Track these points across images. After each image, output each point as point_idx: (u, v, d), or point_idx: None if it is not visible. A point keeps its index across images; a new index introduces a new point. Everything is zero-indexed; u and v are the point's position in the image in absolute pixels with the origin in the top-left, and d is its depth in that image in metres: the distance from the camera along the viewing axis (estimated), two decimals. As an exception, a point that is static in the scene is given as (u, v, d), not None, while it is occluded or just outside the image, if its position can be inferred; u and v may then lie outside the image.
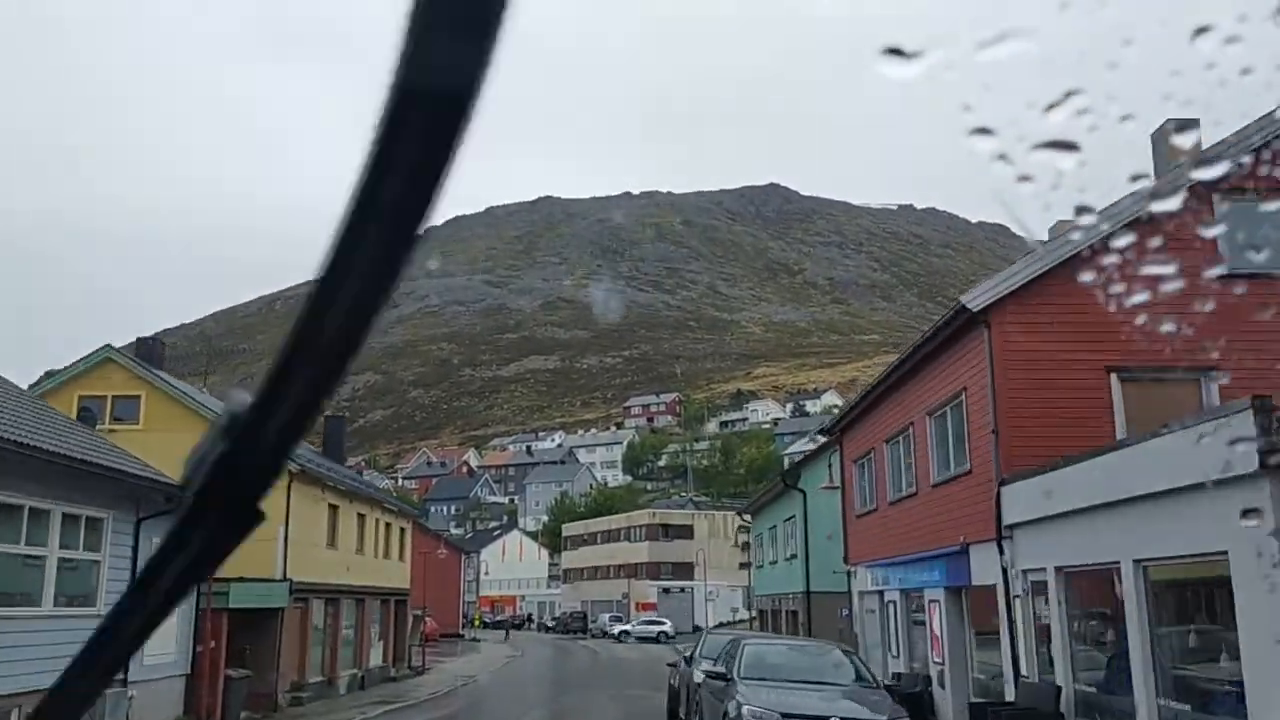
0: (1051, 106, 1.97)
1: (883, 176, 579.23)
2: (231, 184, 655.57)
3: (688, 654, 20.79)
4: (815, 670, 15.45)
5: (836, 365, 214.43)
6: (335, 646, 33.09)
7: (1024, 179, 2.04)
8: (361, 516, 35.93)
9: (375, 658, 38.39)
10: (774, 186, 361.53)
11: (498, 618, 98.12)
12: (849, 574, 26.75)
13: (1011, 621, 15.14)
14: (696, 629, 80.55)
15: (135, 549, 20.38)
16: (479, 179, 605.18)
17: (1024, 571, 14.92)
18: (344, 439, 42.27)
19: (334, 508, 32.63)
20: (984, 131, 2.00)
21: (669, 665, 25.69)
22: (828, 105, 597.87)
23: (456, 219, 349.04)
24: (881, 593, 23.41)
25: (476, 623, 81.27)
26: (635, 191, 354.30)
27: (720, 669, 13.63)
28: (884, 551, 22.62)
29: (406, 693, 35.34)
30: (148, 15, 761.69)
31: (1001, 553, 15.28)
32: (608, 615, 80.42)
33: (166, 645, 22.02)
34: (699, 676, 17.56)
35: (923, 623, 19.97)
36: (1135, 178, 2.28)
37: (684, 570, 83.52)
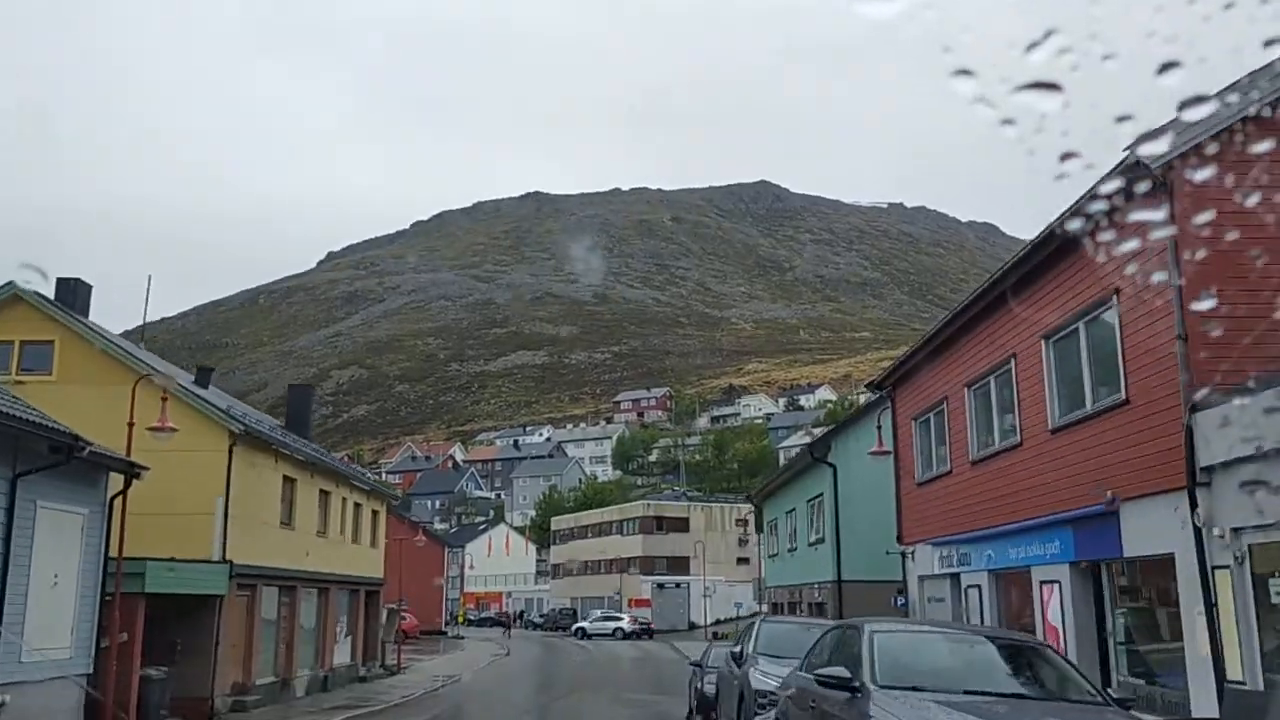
0: (1032, 46, 1.95)
1: (872, 175, 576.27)
2: (215, 176, 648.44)
3: (735, 649, 16.01)
4: (991, 672, 9.35)
5: (828, 361, 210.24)
6: (291, 642, 28.32)
7: (1006, 122, 2.00)
8: (325, 494, 31.16)
9: (342, 655, 33.62)
10: (764, 184, 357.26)
11: (483, 614, 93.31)
12: (904, 556, 22.14)
13: (1211, 604, 10.51)
14: (693, 626, 76.03)
15: (10, 509, 15.63)
16: (467, 174, 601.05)
17: (1233, 532, 10.29)
18: (310, 409, 37.49)
19: (290, 481, 27.86)
20: (964, 73, 1.97)
21: (693, 665, 21.04)
22: (819, 104, 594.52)
23: (443, 213, 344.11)
24: (955, 576, 18.81)
25: (460, 619, 76.41)
26: (625, 188, 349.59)
27: (837, 670, 8.52)
28: (961, 525, 18.01)
29: (376, 695, 30.60)
30: (138, 2, 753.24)
31: (1194, 507, 10.65)
32: (599, 611, 75.75)
33: (58, 636, 17.24)
34: (766, 681, 12.85)
35: (1030, 614, 15.35)
36: (1121, 119, 2.09)
37: (679, 565, 78.92)
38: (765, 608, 42.42)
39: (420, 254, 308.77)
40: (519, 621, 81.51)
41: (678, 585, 76.50)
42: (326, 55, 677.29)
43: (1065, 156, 2.15)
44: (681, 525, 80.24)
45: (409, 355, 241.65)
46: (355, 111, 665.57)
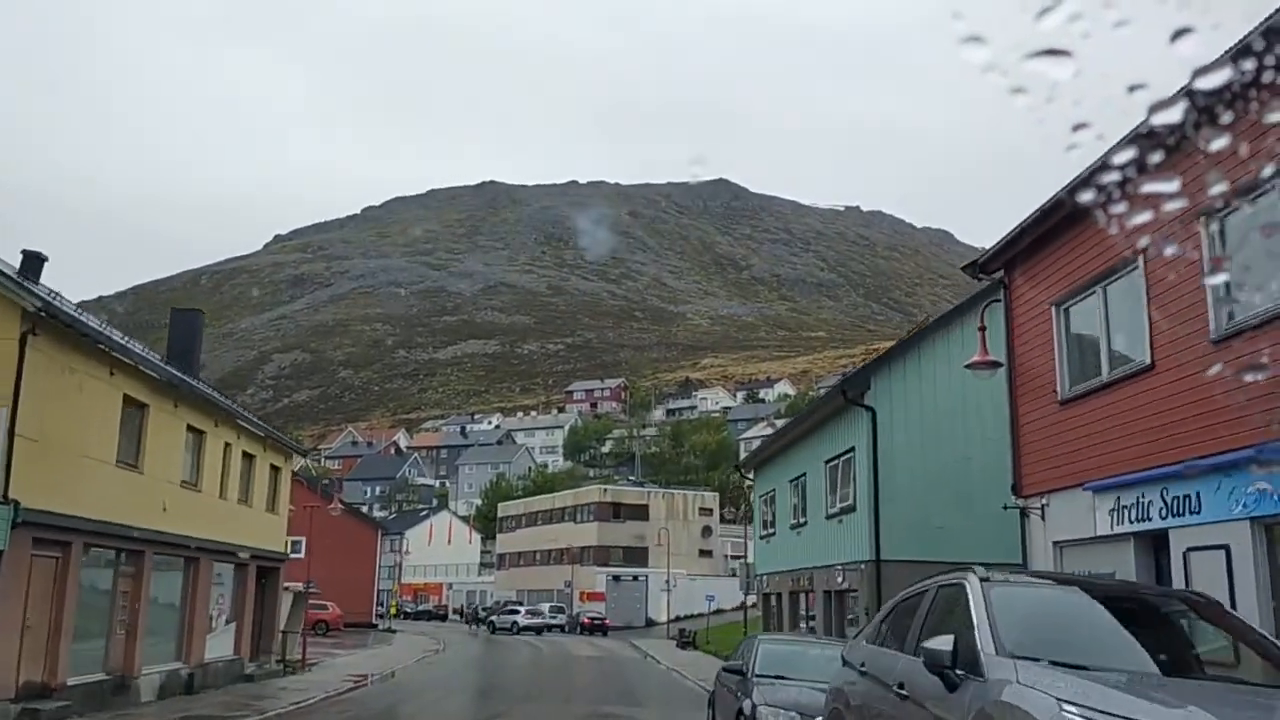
0: (1044, 12, 1.91)
1: (831, 178, 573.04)
2: (163, 158, 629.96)
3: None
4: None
5: (786, 358, 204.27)
6: (135, 626, 20.38)
7: (1017, 91, 1.96)
8: (198, 433, 23.24)
9: (219, 647, 25.66)
10: (722, 182, 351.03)
11: (421, 606, 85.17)
12: (1023, 516, 14.86)
13: None
14: (651, 623, 68.59)
15: None
16: (421, 160, 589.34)
17: None
18: (198, 340, 29.48)
19: (138, 406, 19.96)
20: (975, 40, 1.93)
21: (730, 673, 13.94)
22: (779, 107, 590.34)
23: (396, 199, 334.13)
24: (1149, 537, 11.52)
25: (393, 611, 68.29)
26: (582, 180, 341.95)
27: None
28: (1172, 450, 10.72)
29: (257, 701, 22.78)
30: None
31: None
32: (547, 606, 68.02)
33: None
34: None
35: None
36: (1133, 88, 2.06)
37: (637, 556, 71.48)
38: (750, 599, 35.08)
39: (371, 239, 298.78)
40: (474, 617, 70.14)
41: (635, 578, 69.05)
42: (283, 41, 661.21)
43: (1077, 127, 2.06)
44: (641, 513, 72.85)
45: (355, 341, 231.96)
46: (309, 97, 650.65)
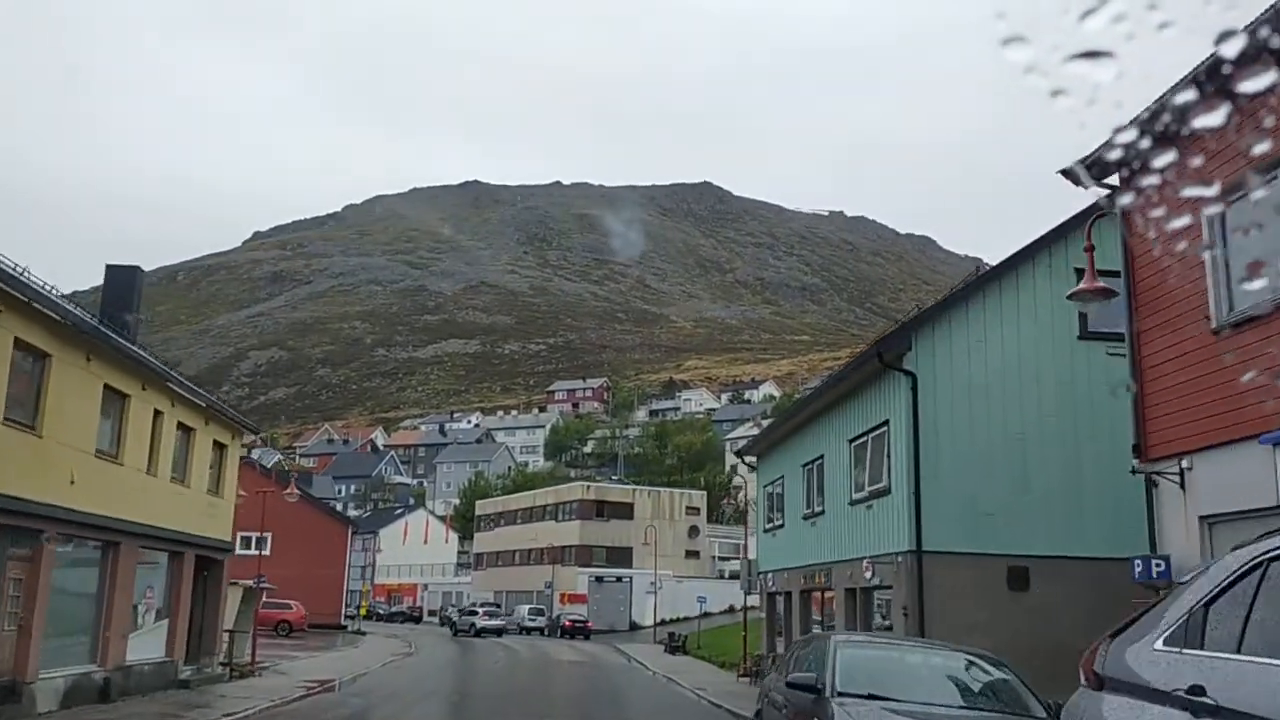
0: (1087, 14, 1.90)
1: (814, 183, 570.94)
2: (135, 152, 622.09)
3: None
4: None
5: (770, 361, 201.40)
6: (30, 622, 16.78)
7: (1058, 93, 1.94)
8: (119, 395, 19.65)
9: (146, 648, 22.04)
10: (707, 185, 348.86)
11: (394, 608, 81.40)
12: (1149, 485, 11.54)
13: None
14: (635, 626, 65.09)
15: None
16: (404, 159, 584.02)
17: None
18: (137, 300, 25.88)
19: (35, 353, 16.41)
20: (1017, 40, 1.92)
21: (806, 693, 10.63)
22: (766, 112, 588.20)
23: (377, 198, 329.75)
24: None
25: (363, 612, 64.55)
26: (566, 181, 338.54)
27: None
28: None
29: (186, 712, 19.24)
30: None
31: None
32: (526, 608, 64.46)
33: None
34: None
35: None
36: (1177, 87, 2.23)
37: (621, 556, 67.99)
38: (758, 600, 31.68)
39: (351, 237, 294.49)
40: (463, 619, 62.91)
41: (619, 579, 65.54)
42: (267, 39, 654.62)
43: (1117, 130, 1.96)
44: (625, 512, 69.35)
45: (333, 338, 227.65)
46: (290, 96, 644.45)
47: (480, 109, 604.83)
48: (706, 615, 65.05)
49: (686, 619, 62.57)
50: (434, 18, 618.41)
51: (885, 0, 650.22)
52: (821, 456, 24.16)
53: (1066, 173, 12.45)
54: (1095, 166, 12.22)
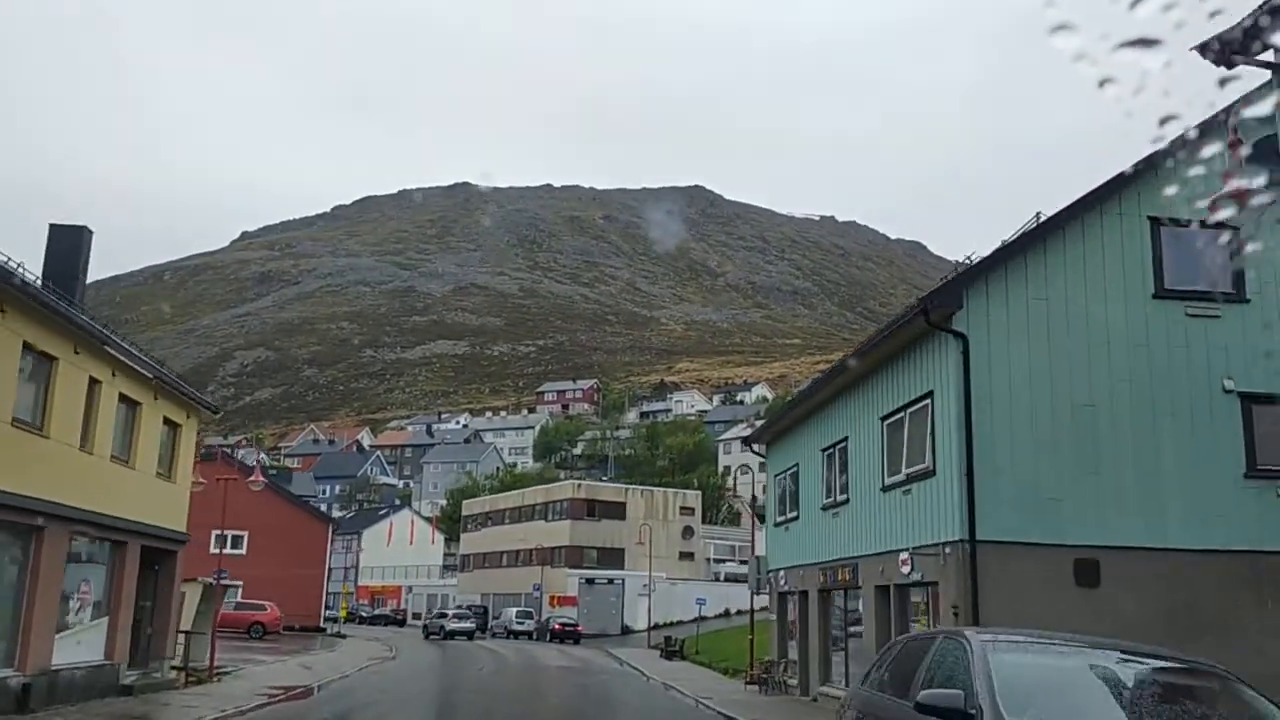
0: (1136, 2, 1.89)
1: (805, 188, 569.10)
2: (123, 152, 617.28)
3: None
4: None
5: (762, 364, 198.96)
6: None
7: (1106, 81, 1.93)
8: (43, 358, 16.90)
9: (79, 650, 19.24)
10: (698, 188, 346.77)
11: (376, 610, 78.50)
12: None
13: None
14: (627, 630, 62.34)
15: None
16: (394, 160, 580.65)
17: None
18: (84, 261, 23.07)
19: (-72, 296, 13.64)
20: (1065, 29, 1.90)
21: None
22: (757, 117, 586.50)
23: (366, 199, 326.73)
24: None
25: (343, 614, 61.71)
26: (557, 184, 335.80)
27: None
28: None
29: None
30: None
31: None
32: (514, 610, 61.70)
33: None
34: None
35: None
36: (1224, 81, 2.06)
37: (612, 557, 65.28)
38: (767, 601, 29.02)
39: (340, 237, 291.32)
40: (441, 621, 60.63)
41: (610, 581, 62.79)
42: (258, 41, 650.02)
43: (1164, 120, 2.00)
44: (617, 511, 66.64)
45: (321, 339, 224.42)
46: (281, 98, 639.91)
47: (471, 112, 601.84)
48: (702, 619, 62.40)
49: (681, 623, 59.88)
50: (426, 20, 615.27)
51: (874, 11, 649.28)
52: (846, 439, 21.54)
53: (1201, 49, 9.89)
54: (1230, 45, 9.73)
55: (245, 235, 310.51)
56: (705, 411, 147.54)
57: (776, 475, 27.64)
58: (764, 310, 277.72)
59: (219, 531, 61.46)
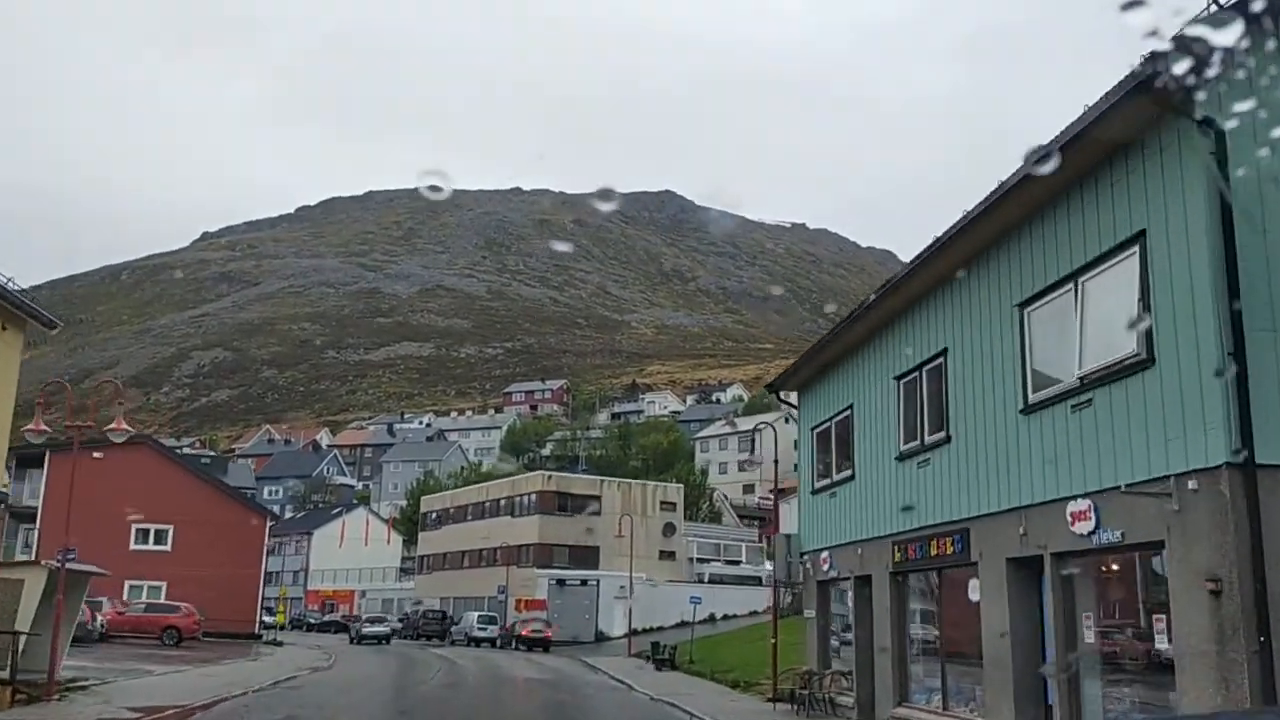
0: None
1: (777, 195, 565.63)
2: (88, 154, 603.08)
3: None
4: None
5: (735, 366, 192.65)
6: None
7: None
8: None
9: None
10: (669, 194, 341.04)
11: (326, 616, 70.94)
12: None
13: None
14: (602, 637, 55.36)
15: None
16: (359, 161, 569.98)
17: None
18: None
19: None
20: (1135, 5, 1.71)
21: None
22: (729, 126, 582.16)
23: (331, 200, 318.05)
24: None
25: (280, 619, 54.23)
26: (527, 188, 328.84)
27: None
28: None
29: None
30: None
31: None
32: (476, 615, 54.56)
33: None
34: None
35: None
36: None
37: (586, 557, 58.30)
38: (786, 597, 22.21)
39: (304, 238, 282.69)
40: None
41: (584, 582, 55.76)
42: (228, 43, 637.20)
43: None
44: (591, 505, 59.65)
45: (281, 340, 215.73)
46: (250, 100, 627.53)
47: (441, 116, 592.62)
48: (686, 624, 55.60)
49: (662, 628, 53.04)
50: (397, 27, 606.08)
51: (847, 21, 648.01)
52: (944, 351, 14.82)
53: None
54: None
55: (206, 236, 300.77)
56: (678, 412, 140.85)
57: (814, 428, 20.88)
58: (735, 315, 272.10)
59: (139, 524, 53.95)
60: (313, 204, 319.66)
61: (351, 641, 54.82)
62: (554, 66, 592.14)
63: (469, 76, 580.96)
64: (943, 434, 14.65)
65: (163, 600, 46.81)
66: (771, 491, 30.04)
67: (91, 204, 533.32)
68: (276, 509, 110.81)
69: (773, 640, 22.71)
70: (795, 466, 22.44)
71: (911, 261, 14.86)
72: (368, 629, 55.35)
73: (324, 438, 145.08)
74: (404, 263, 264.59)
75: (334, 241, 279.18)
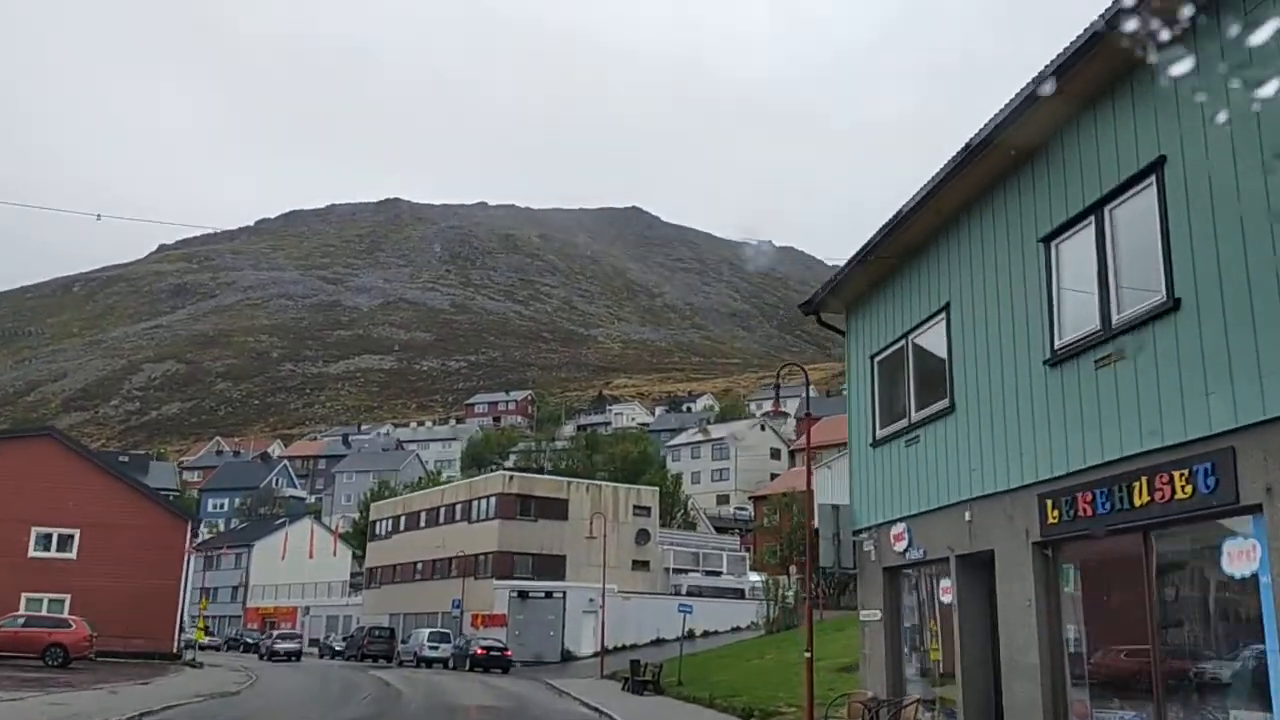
0: None
1: (744, 213, 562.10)
2: (33, 162, 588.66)
3: None
4: None
5: (703, 380, 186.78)
6: None
7: None
8: None
9: None
10: (635, 210, 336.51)
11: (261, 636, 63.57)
12: None
13: None
14: (569, 656, 48.76)
15: None
16: (321, 175, 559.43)
17: None
18: None
19: None
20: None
21: None
22: (694, 148, 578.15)
23: (293, 213, 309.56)
24: None
25: (200, 636, 47.07)
26: (492, 202, 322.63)
27: None
28: None
29: None
30: None
31: None
32: (426, 632, 47.84)
33: None
34: None
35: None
36: None
37: (551, 566, 51.75)
38: (804, 593, 16.03)
39: (263, 250, 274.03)
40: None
41: (548, 595, 49.19)
42: (190, 58, 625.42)
43: None
44: (558, 510, 53.12)
45: (237, 352, 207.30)
46: (209, 113, 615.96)
47: (405, 132, 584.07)
48: (659, 641, 49.23)
49: (635, 646, 46.70)
50: (362, 42, 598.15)
51: (810, 47, 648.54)
52: (1159, 162, 8.76)
53: None
54: None
55: (162, 248, 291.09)
56: (646, 424, 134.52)
57: (876, 355, 14.74)
58: (703, 331, 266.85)
59: (40, 529, 46.57)
60: (273, 217, 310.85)
61: (260, 658, 51.05)
62: (522, 83, 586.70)
63: (433, 95, 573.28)
64: (1163, 299, 8.57)
65: (65, 614, 39.77)
66: (805, 436, 23.92)
67: (46, 216, 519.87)
68: (221, 523, 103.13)
69: (807, 653, 16.48)
70: (847, 421, 16.29)
71: (989, 128, 8.78)
72: (279, 645, 52.42)
73: (276, 449, 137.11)
74: (365, 275, 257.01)
75: (294, 254, 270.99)
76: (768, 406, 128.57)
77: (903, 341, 13.80)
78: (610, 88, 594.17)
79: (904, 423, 13.58)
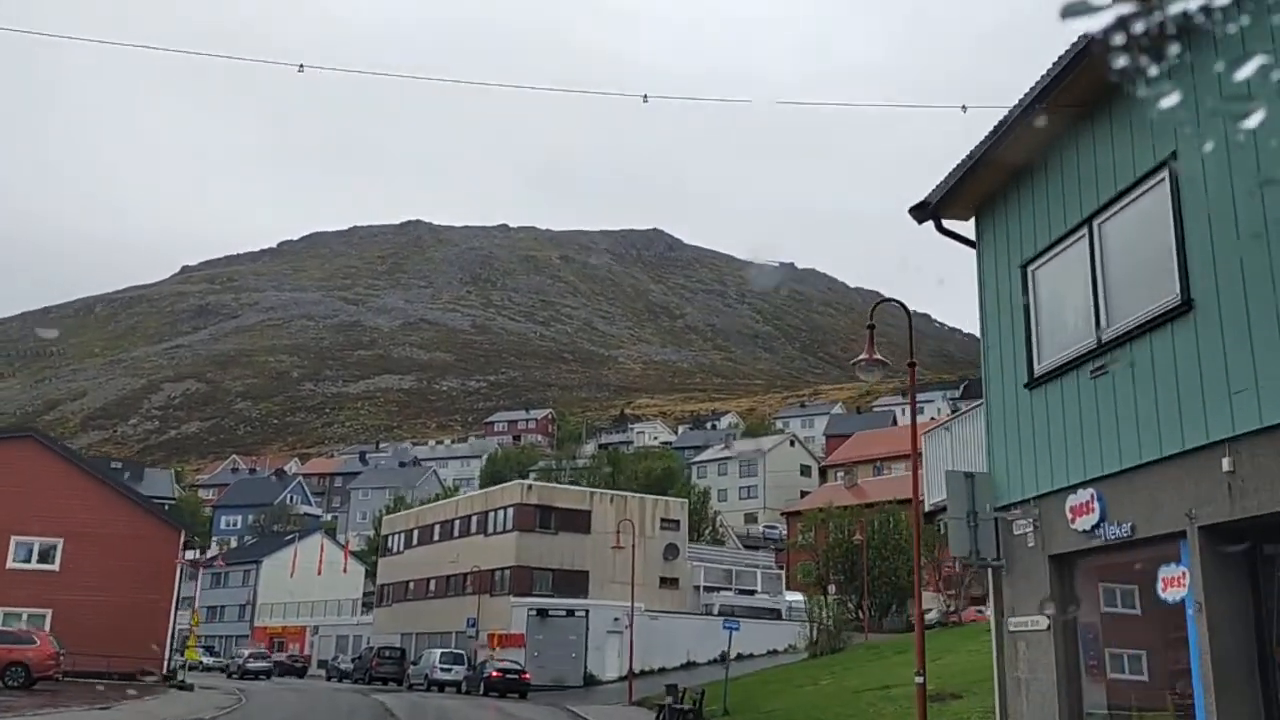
0: None
1: (767, 236, 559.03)
2: (69, 189, 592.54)
3: None
4: None
5: (725, 400, 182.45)
6: None
7: None
8: None
9: None
10: (657, 232, 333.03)
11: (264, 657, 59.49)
12: None
13: None
14: (592, 680, 44.33)
15: None
16: (343, 197, 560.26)
17: None
18: None
19: None
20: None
21: None
22: (720, 172, 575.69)
23: (315, 234, 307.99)
24: None
25: (190, 654, 43.02)
26: (513, 225, 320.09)
27: None
28: None
29: None
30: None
31: None
32: (438, 653, 43.65)
33: None
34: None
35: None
36: None
37: (573, 583, 47.54)
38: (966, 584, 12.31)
39: (285, 272, 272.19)
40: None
41: (570, 614, 44.95)
42: (217, 82, 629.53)
43: None
44: (580, 522, 48.94)
45: (257, 372, 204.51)
46: (233, 135, 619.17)
47: (427, 155, 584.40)
48: (690, 664, 44.93)
49: (664, 670, 42.41)
50: (384, 66, 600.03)
51: (835, 79, 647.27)
52: None
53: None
54: None
55: (185, 269, 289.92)
56: (669, 442, 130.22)
57: (1029, 263, 10.59)
58: (724, 352, 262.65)
59: (20, 538, 42.67)
60: (295, 238, 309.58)
61: (229, 677, 50.42)
62: (543, 109, 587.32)
63: (453, 117, 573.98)
64: None
65: (32, 629, 35.85)
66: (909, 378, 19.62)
67: (70, 239, 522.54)
68: (234, 540, 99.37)
69: (919, 677, 12.25)
70: (982, 353, 12.16)
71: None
72: (250, 664, 52.28)
73: (293, 466, 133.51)
74: (386, 296, 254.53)
75: (316, 275, 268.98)
76: (795, 425, 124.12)
77: (1082, 231, 9.65)
78: (633, 112, 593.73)
79: (1089, 343, 9.41)
